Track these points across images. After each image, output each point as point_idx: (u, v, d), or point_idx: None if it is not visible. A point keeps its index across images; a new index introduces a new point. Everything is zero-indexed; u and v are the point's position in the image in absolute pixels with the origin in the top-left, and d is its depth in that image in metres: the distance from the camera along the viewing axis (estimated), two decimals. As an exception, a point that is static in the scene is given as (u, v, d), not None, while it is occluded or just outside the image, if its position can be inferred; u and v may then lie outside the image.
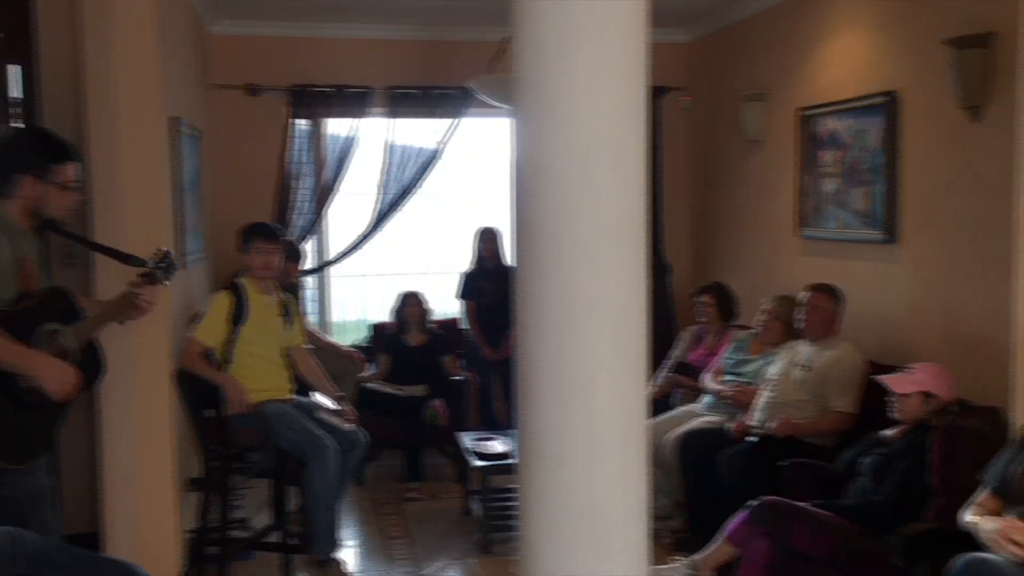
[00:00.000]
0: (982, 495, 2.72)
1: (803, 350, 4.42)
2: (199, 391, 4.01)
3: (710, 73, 6.39)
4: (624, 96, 2.60)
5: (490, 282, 5.91)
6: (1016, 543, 2.42)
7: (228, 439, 4.01)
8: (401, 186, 6.26)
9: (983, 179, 3.86)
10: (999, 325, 3.49)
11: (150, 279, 2.87)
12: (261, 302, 4.21)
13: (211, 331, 4.11)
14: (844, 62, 4.85)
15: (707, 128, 6.46)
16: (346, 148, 6.18)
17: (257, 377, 4.13)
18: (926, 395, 3.43)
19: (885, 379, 3.54)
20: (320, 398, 4.52)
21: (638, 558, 2.84)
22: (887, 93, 4.43)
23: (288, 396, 4.26)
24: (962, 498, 2.81)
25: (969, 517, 2.66)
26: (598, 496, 2.72)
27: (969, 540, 2.61)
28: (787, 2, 5.36)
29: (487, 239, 6.06)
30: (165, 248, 3.02)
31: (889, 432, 3.56)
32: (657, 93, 6.32)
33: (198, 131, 5.18)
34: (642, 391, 2.79)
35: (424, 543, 4.70)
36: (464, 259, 6.25)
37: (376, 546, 4.69)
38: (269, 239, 4.22)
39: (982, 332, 3.83)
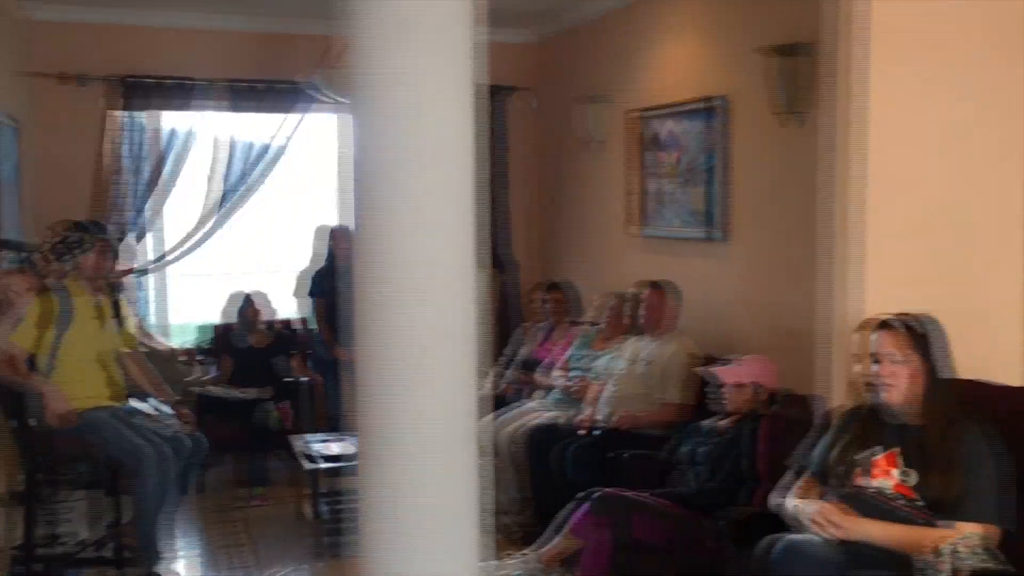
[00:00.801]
0: (802, 479, 2.86)
1: (643, 344, 4.56)
2: (16, 400, 3.75)
3: (555, 74, 6.49)
4: (454, 94, 2.60)
5: (340, 280, 5.79)
6: (833, 524, 2.56)
7: (50, 450, 3.77)
8: (241, 183, 6.07)
9: (805, 181, 4.05)
10: (816, 319, 3.69)
11: (28, 265, 2.51)
12: (85, 304, 3.98)
13: (29, 335, 3.84)
14: (678, 67, 5.03)
15: (553, 128, 6.56)
16: (181, 143, 5.94)
17: (81, 383, 3.90)
18: (753, 385, 3.60)
19: (716, 370, 3.69)
20: (152, 403, 4.31)
21: (473, 555, 2.86)
22: (718, 97, 4.63)
23: (115, 402, 4.04)
24: (785, 483, 2.95)
25: (791, 501, 2.80)
26: (432, 495, 2.72)
27: (792, 522, 2.75)
28: (625, 7, 5.51)
29: (338, 237, 5.95)
30: (71, 224, 2.69)
31: (721, 421, 3.71)
32: (504, 93, 6.39)
33: (15, 122, 4.85)
34: (475, 388, 2.80)
35: (266, 549, 4.57)
36: (307, 257, 6.13)
37: (216, 554, 4.52)
38: (96, 237, 3.98)
39: (803, 325, 4.03)
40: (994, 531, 2.43)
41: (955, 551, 2.23)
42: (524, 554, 3.82)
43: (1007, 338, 3.15)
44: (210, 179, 6.04)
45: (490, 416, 4.92)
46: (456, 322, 2.72)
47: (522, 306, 6.48)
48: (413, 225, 2.61)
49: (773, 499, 2.87)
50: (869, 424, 2.73)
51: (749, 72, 4.41)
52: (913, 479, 2.56)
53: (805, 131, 4.05)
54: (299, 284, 6.06)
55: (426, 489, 2.72)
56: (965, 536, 2.29)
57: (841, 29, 3.05)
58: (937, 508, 2.51)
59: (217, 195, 6.04)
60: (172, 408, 4.24)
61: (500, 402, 5.23)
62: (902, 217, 3.05)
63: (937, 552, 2.26)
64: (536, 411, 4.96)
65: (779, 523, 2.78)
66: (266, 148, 6.09)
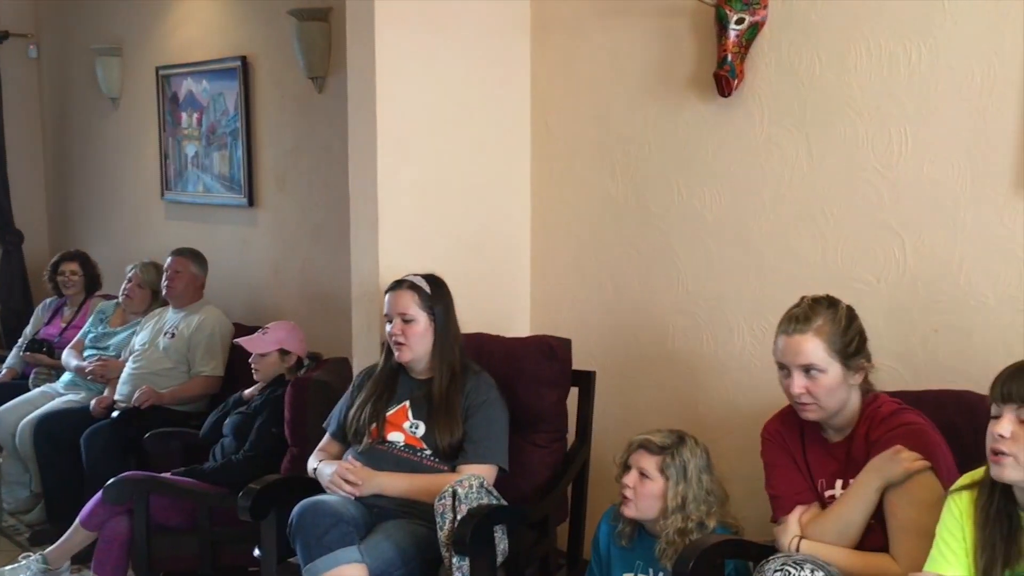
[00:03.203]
0: (324, 441, 2.90)
1: (169, 316, 4.32)
2: None
3: (61, 20, 5.84)
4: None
5: None
6: (348, 482, 2.62)
7: None
8: None
9: (329, 146, 4.10)
10: (346, 282, 3.77)
11: None
12: None
13: None
14: (199, 23, 4.80)
15: (61, 82, 5.92)
16: None
17: None
18: (281, 352, 3.57)
19: (241, 341, 3.60)
20: None
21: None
22: (239, 58, 4.49)
23: None
24: (315, 447, 2.97)
25: (312, 463, 2.82)
26: None
27: (318, 485, 2.76)
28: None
29: None
30: None
31: (248, 391, 3.64)
32: (-7, 38, 5.61)
33: None
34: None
35: None
36: None
37: None
38: None
39: (333, 289, 4.11)
40: (491, 470, 2.66)
41: (455, 492, 2.40)
42: (34, 555, 3.43)
43: (516, 294, 3.45)
44: None
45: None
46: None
47: (34, 281, 5.78)
48: None
49: (309, 463, 2.87)
50: (386, 380, 2.83)
51: (271, 34, 4.33)
52: (422, 430, 2.71)
53: (325, 96, 4.09)
54: None
55: None
56: (464, 478, 2.47)
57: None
58: (445, 455, 2.69)
59: None
60: None
61: (11, 390, 4.64)
62: (414, 184, 3.19)
63: (439, 495, 2.41)
64: (50, 396, 4.48)
65: (308, 487, 2.78)
66: None
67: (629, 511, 2.35)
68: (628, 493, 2.34)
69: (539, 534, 2.81)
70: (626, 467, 2.38)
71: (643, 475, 2.34)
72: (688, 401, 2.98)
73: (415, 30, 3.11)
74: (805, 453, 2.22)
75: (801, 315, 2.11)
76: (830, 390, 2.09)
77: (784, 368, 2.13)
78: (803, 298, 2.17)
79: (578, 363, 2.99)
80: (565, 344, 2.96)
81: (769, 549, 2.12)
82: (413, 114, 3.15)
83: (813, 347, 2.08)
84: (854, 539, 2.05)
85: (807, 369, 2.08)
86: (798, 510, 2.15)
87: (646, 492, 2.32)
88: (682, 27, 2.93)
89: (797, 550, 2.05)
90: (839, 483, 2.15)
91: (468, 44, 3.24)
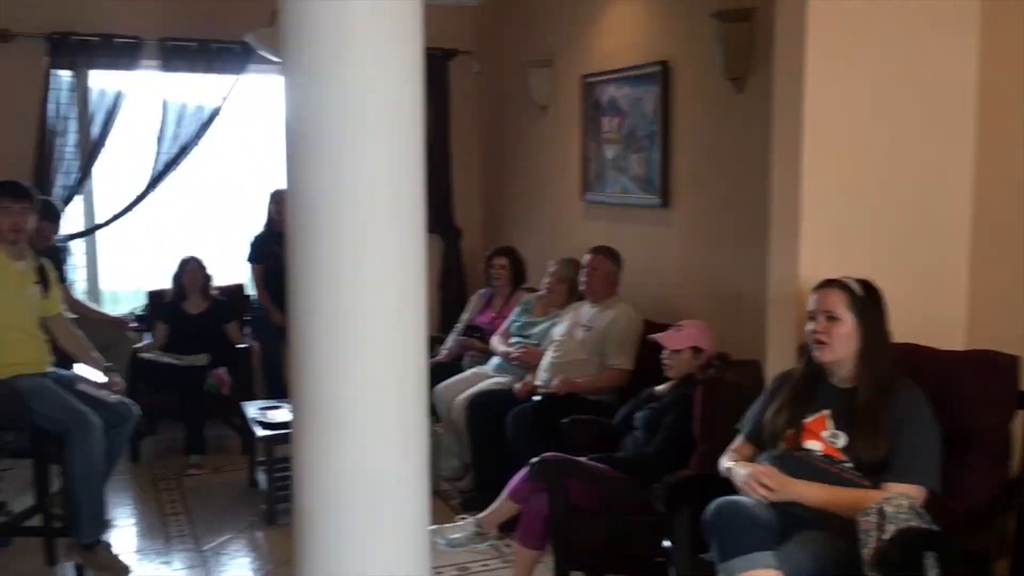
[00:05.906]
0: (737, 442, 2.89)
1: (585, 311, 4.55)
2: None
3: (499, 37, 6.41)
4: (399, 56, 2.53)
5: (280, 246, 5.66)
6: (764, 486, 2.58)
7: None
8: (177, 145, 5.91)
9: (747, 147, 4.07)
10: (759, 284, 3.72)
11: None
12: (11, 269, 3.83)
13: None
14: (622, 31, 4.99)
15: (497, 93, 6.50)
16: (113, 103, 5.77)
17: (9, 350, 3.77)
18: (694, 350, 3.61)
19: (657, 337, 3.70)
20: (84, 370, 4.19)
21: (418, 524, 2.84)
22: (659, 63, 4.60)
23: (46, 369, 3.92)
24: (722, 446, 2.98)
25: (725, 463, 2.83)
26: (375, 463, 2.68)
27: (728, 485, 2.77)
28: (569, -30, 5.45)
29: (278, 201, 5.82)
30: None
31: (659, 387, 3.73)
32: (446, 56, 6.29)
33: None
34: (420, 356, 2.76)
35: (205, 518, 4.51)
36: (252, 223, 6.01)
37: (153, 524, 4.46)
38: (17, 198, 3.83)
39: (745, 290, 4.07)
40: (921, 491, 2.47)
41: (881, 511, 2.26)
42: (464, 519, 3.82)
43: (950, 302, 3.19)
44: (143, 141, 5.89)
45: (440, 383, 4.94)
46: (402, 290, 2.67)
47: (470, 273, 6.44)
48: (358, 192, 2.56)
49: (721, 462, 2.89)
50: (805, 386, 2.74)
51: (691, 37, 4.39)
52: (842, 441, 2.59)
53: (745, 97, 4.06)
54: (249, 248, 5.96)
55: (371, 457, 2.68)
56: (892, 496, 2.32)
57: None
58: (867, 469, 2.55)
59: (154, 158, 5.90)
60: (104, 375, 4.12)
61: (448, 369, 5.20)
62: (840, 184, 3.06)
63: (864, 512, 2.29)
64: (481, 377, 4.94)
65: (717, 486, 2.80)
66: (205, 110, 5.94)
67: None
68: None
69: (974, 568, 2.56)
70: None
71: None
72: None
73: (846, 26, 2.97)
74: None
75: None
76: None
77: None
78: None
79: (1027, 383, 2.67)
80: (1012, 361, 2.67)
81: None
82: (841, 112, 3.01)
83: None
84: None
85: None
86: None
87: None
88: None
89: None
90: None
91: (900, 37, 3.03)
